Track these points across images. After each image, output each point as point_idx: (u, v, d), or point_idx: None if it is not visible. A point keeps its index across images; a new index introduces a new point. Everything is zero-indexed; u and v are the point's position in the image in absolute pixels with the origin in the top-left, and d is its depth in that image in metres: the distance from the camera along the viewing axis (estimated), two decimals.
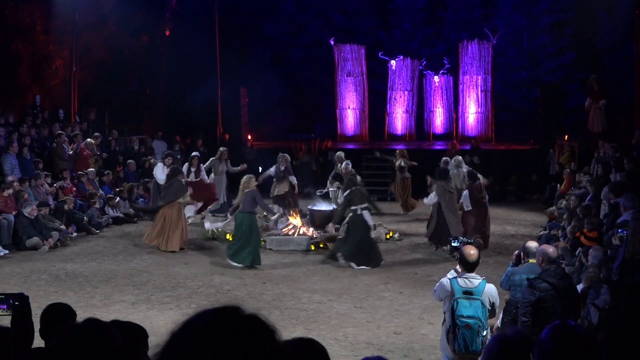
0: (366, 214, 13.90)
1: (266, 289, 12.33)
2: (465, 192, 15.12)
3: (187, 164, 18.05)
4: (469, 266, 6.94)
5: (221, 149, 19.47)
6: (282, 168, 18.01)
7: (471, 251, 7.01)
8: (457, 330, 6.82)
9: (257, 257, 13.85)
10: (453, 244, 7.69)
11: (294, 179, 18.13)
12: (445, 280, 7.02)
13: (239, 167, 18.87)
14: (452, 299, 6.85)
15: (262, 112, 27.40)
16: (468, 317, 6.80)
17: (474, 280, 6.92)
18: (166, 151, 18.76)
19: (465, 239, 7.60)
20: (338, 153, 19.06)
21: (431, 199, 15.11)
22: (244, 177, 14.22)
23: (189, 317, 1.66)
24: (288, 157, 18.43)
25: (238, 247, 13.89)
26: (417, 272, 13.53)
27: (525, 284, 7.21)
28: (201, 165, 18.10)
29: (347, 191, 14.04)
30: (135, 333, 4.04)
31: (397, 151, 20.73)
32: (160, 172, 17.24)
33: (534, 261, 7.67)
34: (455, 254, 7.38)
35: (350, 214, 13.89)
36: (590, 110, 20.60)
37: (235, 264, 13.82)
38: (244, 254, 13.79)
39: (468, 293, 6.85)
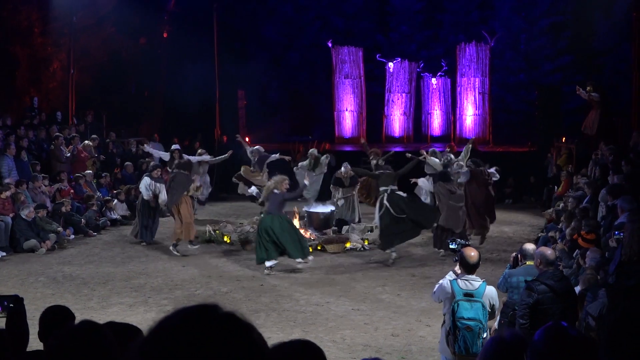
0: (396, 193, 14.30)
1: (264, 291, 12.33)
2: (466, 170, 15.35)
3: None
4: (469, 268, 6.94)
5: (200, 150, 19.20)
6: (255, 159, 18.32)
7: (472, 253, 7.00)
8: (457, 332, 6.83)
9: (303, 249, 13.63)
10: (451, 246, 7.69)
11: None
12: (445, 282, 7.01)
13: (226, 155, 18.79)
14: (453, 301, 6.85)
15: (260, 114, 27.40)
16: (469, 319, 6.81)
17: (475, 282, 6.93)
18: (153, 163, 17.71)
19: (463, 241, 7.59)
20: (311, 150, 19.23)
21: (424, 181, 15.47)
22: (276, 177, 13.76)
23: (166, 315, 1.64)
24: (261, 148, 18.68)
25: (283, 246, 13.43)
26: (414, 274, 13.53)
27: (523, 286, 7.21)
28: (184, 156, 18.01)
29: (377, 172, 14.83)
30: (131, 334, 4.04)
31: (371, 150, 20.59)
32: (145, 188, 15.97)
33: (532, 263, 7.67)
34: (454, 257, 7.38)
35: (381, 196, 14.15)
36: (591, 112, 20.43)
37: (270, 263, 13.42)
38: (294, 249, 13.49)
39: (469, 295, 6.86)
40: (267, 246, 13.33)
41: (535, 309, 6.86)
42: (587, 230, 11.35)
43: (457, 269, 7.08)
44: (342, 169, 17.71)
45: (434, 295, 7.20)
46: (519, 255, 8.21)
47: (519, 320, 6.95)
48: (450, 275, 7.10)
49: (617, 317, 2.43)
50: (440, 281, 7.15)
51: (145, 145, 19.27)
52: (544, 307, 6.86)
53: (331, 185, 17.95)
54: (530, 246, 8.21)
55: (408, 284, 12.79)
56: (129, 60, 25.64)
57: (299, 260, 13.54)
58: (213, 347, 1.55)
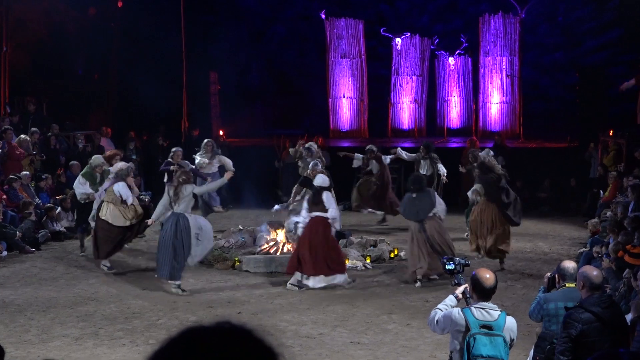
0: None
1: (242, 318, 12.26)
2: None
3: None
4: (485, 293, 6.76)
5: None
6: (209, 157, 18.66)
7: (487, 274, 6.82)
8: None
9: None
10: (448, 267, 7.47)
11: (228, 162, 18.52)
12: (455, 312, 6.82)
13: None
14: (468, 335, 6.70)
15: (237, 101, 27.38)
16: (488, 357, 6.69)
17: (493, 311, 6.74)
18: (127, 165, 17.29)
19: (463, 260, 7.45)
20: (293, 148, 19.37)
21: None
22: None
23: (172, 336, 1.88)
24: (212, 141, 18.83)
25: None
26: (428, 300, 13.51)
27: (563, 315, 7.18)
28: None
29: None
30: None
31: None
32: (124, 189, 15.26)
33: (572, 285, 7.65)
34: (452, 280, 7.27)
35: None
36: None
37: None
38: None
39: (487, 328, 6.71)
40: None
41: (578, 342, 6.84)
42: (636, 243, 11.35)
43: (459, 292, 6.99)
44: (310, 166, 17.66)
45: (436, 325, 6.99)
46: (556, 276, 8.20)
47: (558, 356, 6.93)
48: (451, 300, 6.98)
49: None
50: (440, 306, 7.00)
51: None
52: (590, 339, 6.84)
53: (296, 186, 17.73)
54: (570, 264, 8.19)
55: (420, 312, 12.76)
56: (75, 36, 25.57)
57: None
58: None
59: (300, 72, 29.84)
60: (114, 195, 14.98)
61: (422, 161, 19.17)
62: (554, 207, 23.16)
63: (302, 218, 14.31)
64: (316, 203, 14.23)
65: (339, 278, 14.24)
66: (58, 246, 17.94)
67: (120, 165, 15.51)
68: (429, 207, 14.50)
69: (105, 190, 15.66)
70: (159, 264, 13.90)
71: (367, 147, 20.29)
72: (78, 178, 16.56)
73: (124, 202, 15.07)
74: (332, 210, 14.19)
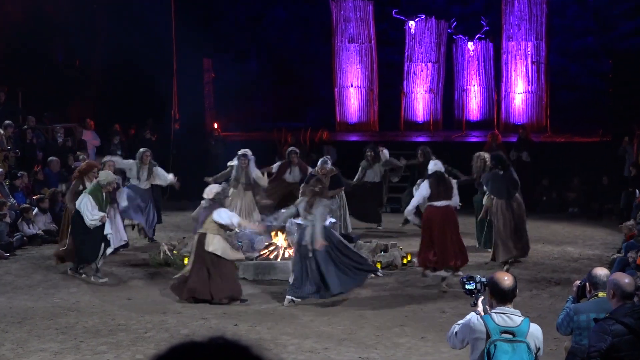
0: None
1: (239, 332, 12.30)
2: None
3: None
4: (504, 295, 6.85)
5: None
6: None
7: (504, 276, 6.98)
8: None
9: None
10: (467, 287, 7.51)
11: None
12: (474, 318, 6.92)
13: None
14: (488, 342, 6.75)
15: (234, 91, 27.37)
16: None
17: (515, 317, 6.83)
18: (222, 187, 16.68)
19: (484, 279, 7.47)
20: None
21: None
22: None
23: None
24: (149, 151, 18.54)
25: None
26: (444, 310, 13.51)
27: (593, 327, 7.18)
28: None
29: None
30: None
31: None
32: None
33: (604, 295, 7.65)
34: (472, 301, 7.31)
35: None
36: None
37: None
38: None
39: (509, 333, 6.77)
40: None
41: (609, 356, 6.83)
42: None
43: (481, 310, 7.01)
44: (319, 163, 17.67)
45: (453, 338, 7.06)
46: (586, 284, 8.18)
47: None
48: (472, 316, 7.01)
49: None
50: (462, 321, 7.08)
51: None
52: (621, 354, 6.83)
53: (303, 185, 17.79)
54: (602, 272, 8.18)
55: (436, 323, 12.77)
56: (55, 18, 25.58)
57: None
58: None
59: (304, 58, 29.84)
60: (217, 226, 13.97)
61: (368, 170, 19.91)
62: (585, 208, 23.10)
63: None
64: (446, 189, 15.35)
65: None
66: (35, 251, 17.94)
67: (214, 189, 14.37)
68: (517, 185, 16.09)
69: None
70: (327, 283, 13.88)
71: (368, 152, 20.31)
72: (85, 200, 15.10)
73: (228, 229, 14.54)
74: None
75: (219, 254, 13.81)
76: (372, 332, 12.38)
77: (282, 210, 14.96)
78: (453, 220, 15.50)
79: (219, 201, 14.10)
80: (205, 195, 14.14)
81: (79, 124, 24.26)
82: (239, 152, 18.52)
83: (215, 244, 13.83)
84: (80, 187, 15.77)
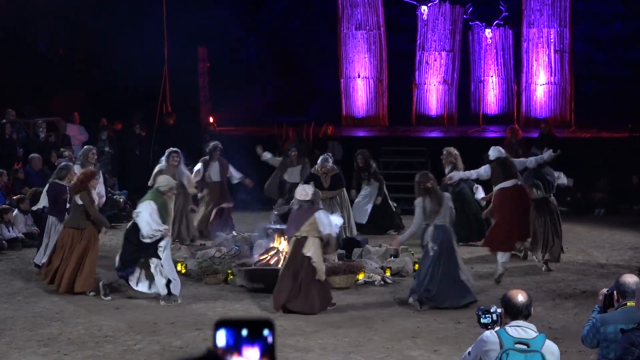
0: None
1: None
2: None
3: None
4: (517, 310, 7.22)
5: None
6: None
7: (518, 293, 7.36)
8: None
9: None
10: (483, 320, 7.74)
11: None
12: (487, 332, 7.26)
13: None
14: (501, 351, 6.98)
15: (231, 82, 27.39)
16: None
17: (530, 330, 7.13)
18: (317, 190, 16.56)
19: (499, 310, 7.67)
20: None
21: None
22: None
23: None
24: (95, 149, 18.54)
25: None
26: (460, 321, 13.50)
27: (620, 338, 7.19)
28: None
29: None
30: None
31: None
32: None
33: (634, 304, 7.65)
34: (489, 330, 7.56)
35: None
36: None
37: None
38: None
39: (523, 344, 6.97)
40: None
41: None
42: None
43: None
44: (320, 161, 17.67)
45: (468, 356, 7.45)
46: (614, 293, 8.18)
47: None
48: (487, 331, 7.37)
49: None
50: (481, 336, 7.38)
51: None
52: None
53: (301, 184, 17.91)
54: (632, 279, 8.18)
55: (450, 335, 12.77)
56: (35, 3, 25.59)
57: None
58: None
59: (306, 47, 29.87)
60: (317, 229, 13.94)
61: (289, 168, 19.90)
62: (612, 210, 23.11)
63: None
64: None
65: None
66: (15, 256, 17.96)
67: (309, 190, 14.37)
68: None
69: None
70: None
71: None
72: (148, 208, 14.32)
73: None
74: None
75: (314, 259, 13.79)
76: (381, 345, 12.38)
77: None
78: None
79: (317, 202, 14.27)
80: (299, 197, 14.07)
81: (62, 118, 24.26)
82: (170, 149, 18.43)
83: (313, 250, 13.84)
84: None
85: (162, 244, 14.34)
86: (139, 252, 14.39)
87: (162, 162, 18.34)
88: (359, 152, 20.23)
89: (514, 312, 7.19)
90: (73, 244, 14.91)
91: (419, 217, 14.18)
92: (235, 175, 19.52)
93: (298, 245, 13.85)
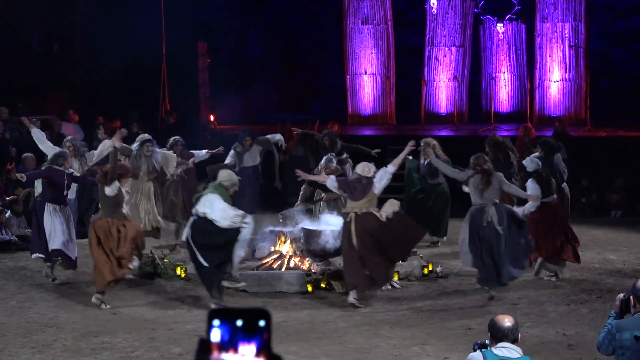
0: None
1: None
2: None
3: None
4: (502, 333, 7.43)
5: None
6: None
7: (504, 317, 7.60)
8: None
9: None
10: None
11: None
12: (474, 353, 7.50)
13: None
14: None
15: (232, 79, 27.41)
16: None
17: (514, 351, 7.37)
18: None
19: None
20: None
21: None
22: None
23: None
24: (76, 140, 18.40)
25: None
26: (470, 327, 13.52)
27: (634, 345, 7.21)
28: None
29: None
30: None
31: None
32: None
33: None
34: None
35: None
36: None
37: None
38: None
39: None
40: None
41: None
42: None
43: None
44: (323, 161, 17.69)
45: None
46: (631, 298, 8.20)
47: None
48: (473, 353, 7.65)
49: None
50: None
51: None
52: None
53: (304, 186, 17.97)
54: None
55: (460, 342, 12.78)
56: None
57: None
58: None
59: (311, 42, 29.87)
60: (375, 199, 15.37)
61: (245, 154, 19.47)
62: (629, 212, 23.11)
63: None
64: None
65: None
66: (8, 259, 17.98)
67: (372, 167, 15.28)
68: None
69: None
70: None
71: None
72: (216, 197, 14.36)
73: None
74: None
75: (391, 211, 14.92)
76: (388, 352, 12.40)
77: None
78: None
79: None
80: (361, 173, 15.01)
81: (57, 116, 24.28)
82: (144, 138, 18.25)
83: (387, 209, 14.97)
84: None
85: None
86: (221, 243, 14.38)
87: (134, 150, 17.82)
88: (325, 132, 20.21)
89: (499, 336, 7.41)
90: (119, 231, 14.57)
91: (460, 178, 15.74)
92: (199, 154, 19.11)
93: (362, 218, 14.76)
